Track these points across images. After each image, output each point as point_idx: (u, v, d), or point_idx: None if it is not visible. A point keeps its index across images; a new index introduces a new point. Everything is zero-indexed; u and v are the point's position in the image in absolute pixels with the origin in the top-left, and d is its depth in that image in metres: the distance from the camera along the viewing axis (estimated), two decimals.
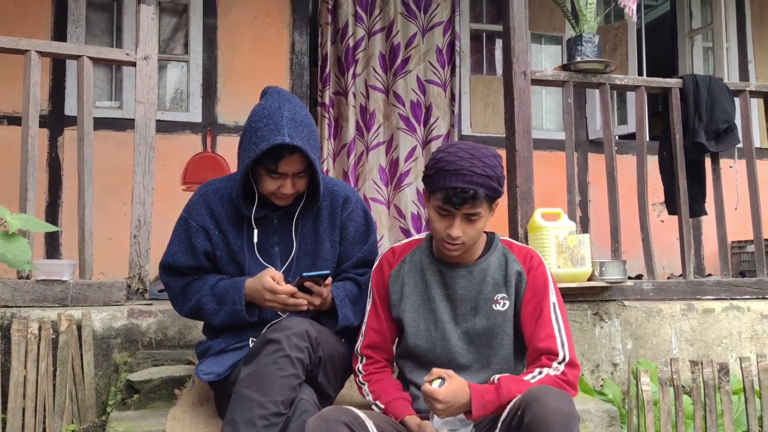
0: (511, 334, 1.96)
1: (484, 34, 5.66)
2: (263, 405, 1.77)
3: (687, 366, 3.05)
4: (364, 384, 2.02)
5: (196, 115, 4.91)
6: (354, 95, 4.92)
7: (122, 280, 2.88)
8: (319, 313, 2.10)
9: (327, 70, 4.91)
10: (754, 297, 3.47)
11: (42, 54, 2.97)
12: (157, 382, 2.50)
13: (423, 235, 2.09)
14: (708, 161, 3.74)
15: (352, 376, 2.14)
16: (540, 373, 1.83)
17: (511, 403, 1.71)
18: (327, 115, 4.88)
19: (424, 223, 4.98)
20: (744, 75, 5.87)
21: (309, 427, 1.67)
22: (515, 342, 1.97)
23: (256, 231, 2.10)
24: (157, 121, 3.05)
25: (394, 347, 2.11)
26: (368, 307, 2.07)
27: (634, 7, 3.43)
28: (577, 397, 1.83)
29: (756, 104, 4.21)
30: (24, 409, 2.47)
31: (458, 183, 1.79)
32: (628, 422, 2.67)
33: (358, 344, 2.06)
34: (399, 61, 5.03)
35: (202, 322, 2.28)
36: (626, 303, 3.22)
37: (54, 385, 2.55)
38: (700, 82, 3.60)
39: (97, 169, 3.09)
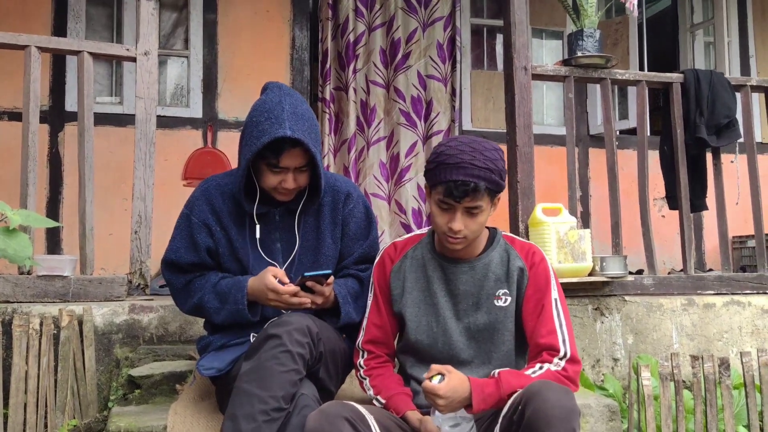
0: (513, 329, 1.96)
1: (485, 29, 5.64)
2: (264, 400, 1.77)
3: (688, 361, 3.05)
4: (365, 379, 2.02)
5: (196, 111, 4.91)
6: (354, 90, 4.92)
7: (123, 276, 2.89)
8: (322, 309, 2.10)
9: (327, 66, 4.90)
10: (754, 292, 3.48)
11: (42, 49, 2.96)
12: (159, 378, 2.51)
13: (425, 230, 2.09)
14: (709, 156, 3.74)
15: (352, 371, 2.14)
16: (541, 368, 1.83)
17: (512, 398, 1.71)
18: (327, 111, 4.87)
19: (424, 218, 4.98)
20: (745, 70, 5.86)
21: (310, 421, 1.67)
22: (516, 338, 1.98)
23: (258, 227, 2.10)
24: (157, 116, 3.06)
25: (396, 342, 2.11)
26: (369, 302, 2.07)
27: (635, 2, 3.43)
28: (577, 392, 1.83)
29: (757, 99, 4.19)
30: (26, 405, 2.47)
31: (459, 176, 1.78)
32: (629, 417, 2.67)
33: (360, 339, 2.06)
34: (400, 56, 5.02)
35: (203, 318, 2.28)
36: (627, 298, 3.22)
37: (55, 381, 2.55)
38: (701, 77, 3.59)
39: (98, 164, 3.09)
